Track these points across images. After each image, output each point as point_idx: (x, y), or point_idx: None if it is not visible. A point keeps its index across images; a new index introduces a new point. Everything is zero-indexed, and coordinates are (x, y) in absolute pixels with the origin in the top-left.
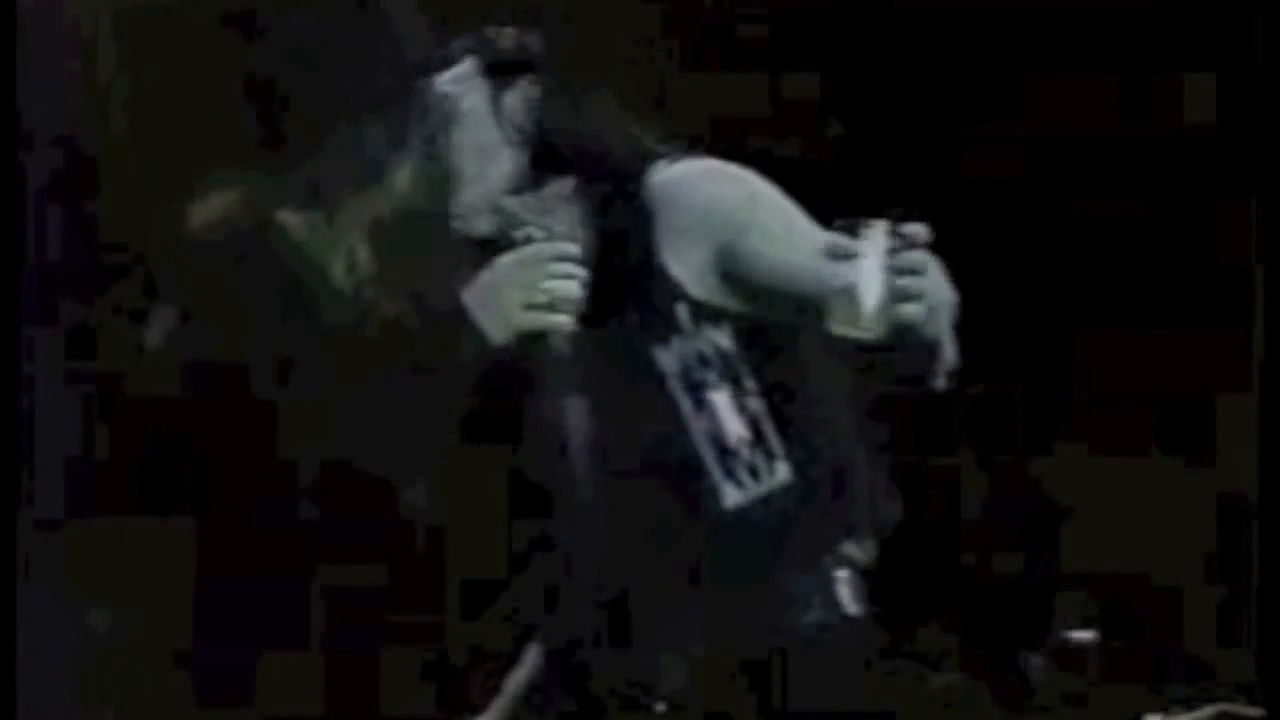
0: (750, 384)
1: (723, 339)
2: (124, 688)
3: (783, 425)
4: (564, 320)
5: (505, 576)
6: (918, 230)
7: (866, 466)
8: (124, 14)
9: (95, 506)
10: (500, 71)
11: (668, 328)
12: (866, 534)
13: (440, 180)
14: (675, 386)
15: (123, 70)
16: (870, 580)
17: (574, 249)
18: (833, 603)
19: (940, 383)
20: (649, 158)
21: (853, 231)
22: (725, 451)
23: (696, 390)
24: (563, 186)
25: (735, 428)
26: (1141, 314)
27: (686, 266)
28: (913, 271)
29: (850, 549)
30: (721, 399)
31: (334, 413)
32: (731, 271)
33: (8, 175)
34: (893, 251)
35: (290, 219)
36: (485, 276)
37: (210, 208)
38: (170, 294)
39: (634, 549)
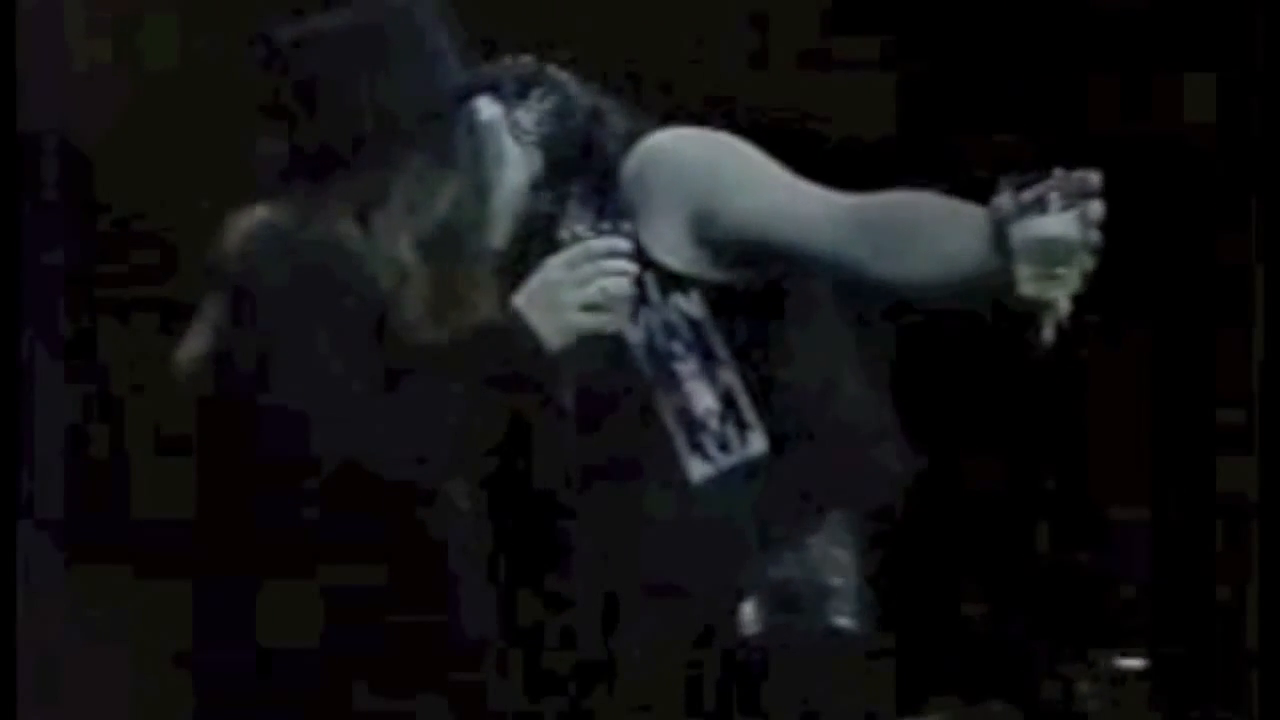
0: (723, 352)
1: (692, 307)
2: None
3: (762, 393)
4: (620, 320)
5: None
6: (1093, 177)
7: (865, 436)
8: (142, 17)
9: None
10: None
11: (633, 299)
12: (853, 512)
13: (482, 196)
14: (641, 359)
15: (134, 73)
16: (876, 593)
17: (625, 244)
18: (821, 612)
19: (1050, 336)
20: (634, 137)
21: (1024, 187)
22: (693, 424)
23: (663, 362)
24: (570, 187)
25: (703, 399)
26: (1142, 314)
27: (656, 235)
28: (1096, 222)
29: (837, 534)
30: (689, 370)
31: (377, 418)
32: (713, 237)
33: (8, 175)
34: (1069, 204)
35: (346, 232)
36: (536, 280)
37: (256, 220)
38: (208, 305)
39: (611, 535)
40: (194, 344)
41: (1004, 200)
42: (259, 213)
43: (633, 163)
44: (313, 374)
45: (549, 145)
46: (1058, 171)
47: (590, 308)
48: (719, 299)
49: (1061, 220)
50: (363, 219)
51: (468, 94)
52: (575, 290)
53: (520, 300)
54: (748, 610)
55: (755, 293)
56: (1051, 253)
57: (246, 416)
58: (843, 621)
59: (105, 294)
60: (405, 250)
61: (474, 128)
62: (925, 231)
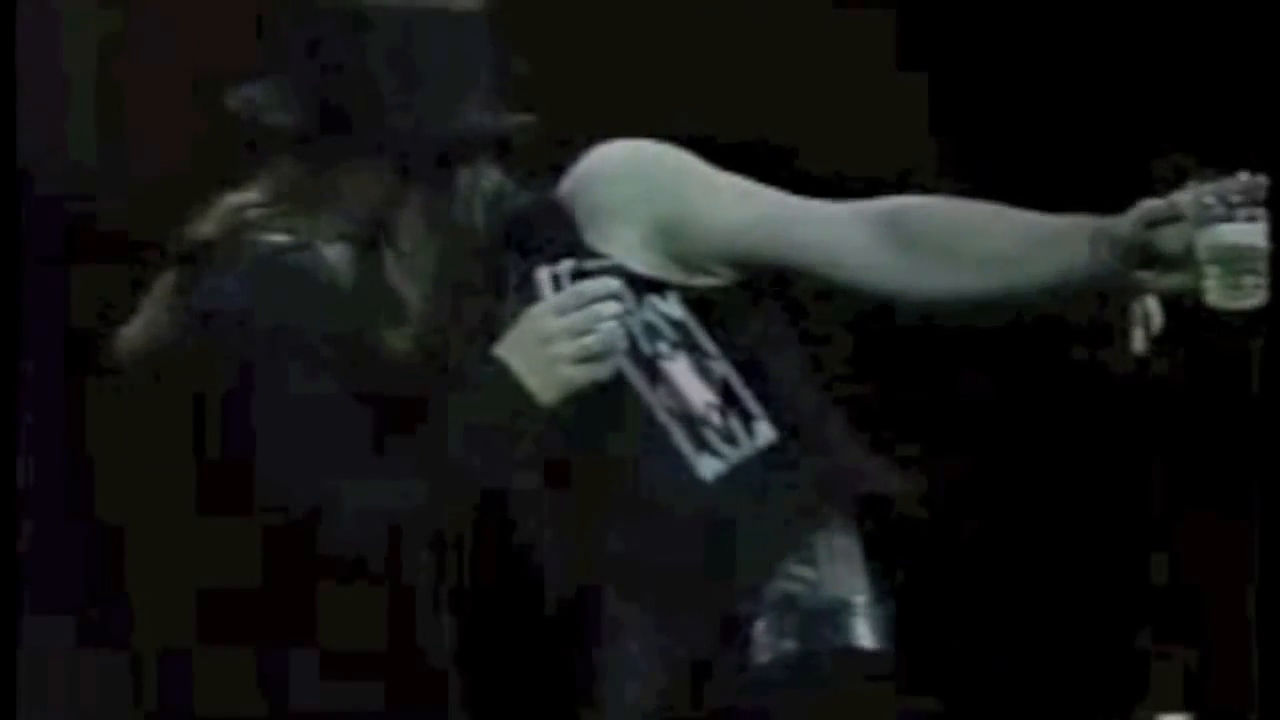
0: (712, 347)
1: (672, 308)
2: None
3: (759, 384)
4: (613, 368)
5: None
6: (1262, 183)
7: (831, 435)
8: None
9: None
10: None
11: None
12: (864, 519)
13: (473, 240)
14: (626, 365)
15: (135, 75)
16: (896, 609)
17: (616, 283)
18: (836, 630)
19: (1142, 346)
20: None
21: (1212, 193)
22: (694, 421)
23: (650, 364)
24: (539, 233)
25: (701, 394)
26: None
27: (619, 242)
28: (1274, 231)
29: (848, 542)
30: (679, 368)
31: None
32: (683, 249)
33: (8, 176)
34: (1254, 212)
35: (334, 254)
36: (524, 330)
37: (240, 217)
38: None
39: (614, 550)
40: (145, 331)
41: (1185, 202)
42: (247, 211)
43: (581, 174)
44: (273, 396)
45: (496, 215)
46: (1240, 176)
47: (588, 359)
48: (699, 299)
49: (1253, 228)
50: (362, 245)
51: (504, 137)
52: (569, 341)
53: (504, 351)
54: (759, 631)
55: (739, 292)
56: (1239, 261)
57: (200, 419)
58: (863, 642)
59: (105, 295)
60: (401, 285)
61: (478, 171)
62: (971, 241)
